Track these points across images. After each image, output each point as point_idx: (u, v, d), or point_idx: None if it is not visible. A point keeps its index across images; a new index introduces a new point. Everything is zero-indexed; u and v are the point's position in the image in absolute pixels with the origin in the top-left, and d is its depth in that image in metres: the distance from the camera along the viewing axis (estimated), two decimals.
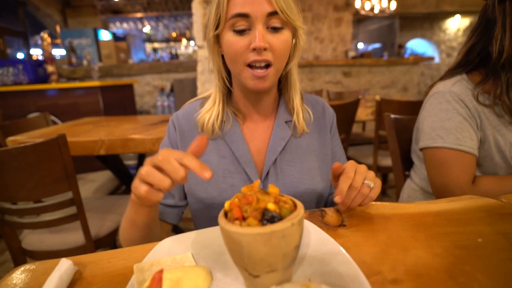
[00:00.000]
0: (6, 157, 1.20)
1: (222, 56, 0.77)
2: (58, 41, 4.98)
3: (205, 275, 0.45)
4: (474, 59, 0.98)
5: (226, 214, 0.41)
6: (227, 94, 0.82)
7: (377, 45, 10.73)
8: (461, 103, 0.96)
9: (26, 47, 6.44)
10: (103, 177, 2.36)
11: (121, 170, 2.26)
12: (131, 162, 3.04)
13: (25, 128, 2.08)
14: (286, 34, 0.70)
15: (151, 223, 0.66)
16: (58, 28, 5.08)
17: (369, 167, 2.55)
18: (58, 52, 5.21)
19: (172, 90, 4.74)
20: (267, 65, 0.69)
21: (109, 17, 7.59)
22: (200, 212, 0.81)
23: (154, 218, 0.67)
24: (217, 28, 0.71)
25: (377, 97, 2.17)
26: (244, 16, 0.66)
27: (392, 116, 1.32)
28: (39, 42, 5.47)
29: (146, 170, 0.49)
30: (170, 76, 4.95)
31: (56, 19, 6.78)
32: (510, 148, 0.94)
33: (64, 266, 0.49)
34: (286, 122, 0.83)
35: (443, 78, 1.06)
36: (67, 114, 3.17)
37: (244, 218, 0.38)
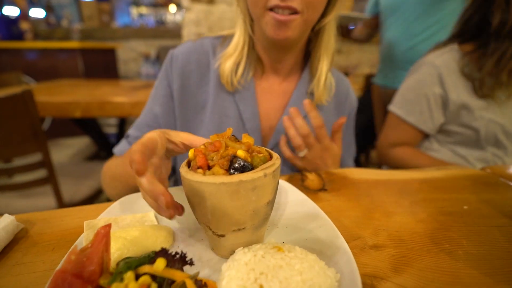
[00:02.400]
0: None
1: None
2: None
3: (165, 236, 0.39)
4: (470, 30, 0.96)
5: (189, 164, 0.35)
6: (251, 41, 0.69)
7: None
8: (435, 77, 0.96)
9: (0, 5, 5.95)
10: (81, 142, 2.26)
11: (99, 135, 2.16)
12: (112, 130, 2.91)
13: None
14: None
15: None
16: None
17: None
18: (37, 13, 4.83)
19: (157, 57, 4.51)
20: (294, 13, 0.57)
21: None
22: None
23: None
24: None
25: (365, 70, 2.11)
26: None
27: (381, 87, 1.28)
28: None
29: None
30: (156, 43, 4.70)
31: None
32: (486, 124, 0.92)
33: (4, 222, 0.43)
34: (307, 93, 0.72)
35: (435, 48, 1.05)
36: (43, 76, 2.97)
37: (209, 167, 0.33)
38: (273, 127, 0.72)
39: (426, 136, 1.04)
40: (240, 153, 0.32)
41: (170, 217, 0.33)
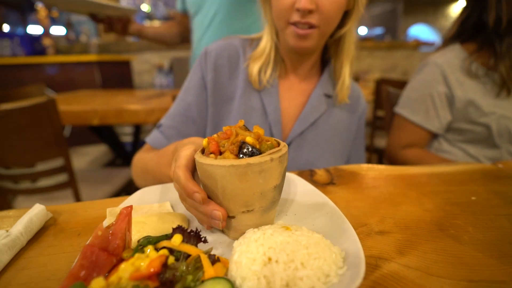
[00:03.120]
0: None
1: None
2: (55, 14, 4.84)
3: (180, 221, 0.42)
4: (469, 30, 0.98)
5: (203, 152, 0.38)
6: (276, 46, 0.76)
7: (378, 30, 10.50)
8: (439, 76, 0.97)
9: (24, 24, 6.29)
10: (99, 150, 2.34)
11: (116, 143, 2.23)
12: (127, 139, 3.00)
13: (18, 98, 2.03)
14: None
15: None
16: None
17: (365, 148, 2.51)
18: (58, 30, 5.09)
19: (171, 68, 4.64)
20: (312, 27, 0.64)
21: None
22: None
23: None
24: None
25: (376, 75, 2.12)
26: None
27: (390, 89, 1.28)
28: (36, 17, 5.34)
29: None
30: (169, 55, 4.84)
31: None
32: (497, 120, 0.92)
33: (36, 210, 0.47)
34: (325, 95, 0.78)
35: (436, 50, 1.07)
36: (63, 88, 3.11)
37: (221, 153, 0.35)
38: (292, 121, 0.77)
39: (434, 136, 1.04)
40: (249, 139, 0.35)
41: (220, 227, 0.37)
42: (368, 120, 2.75)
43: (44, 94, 2.35)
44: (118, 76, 3.73)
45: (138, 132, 2.54)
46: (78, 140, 2.69)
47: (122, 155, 2.27)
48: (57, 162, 1.31)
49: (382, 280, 0.32)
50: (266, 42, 0.75)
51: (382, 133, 2.35)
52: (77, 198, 1.36)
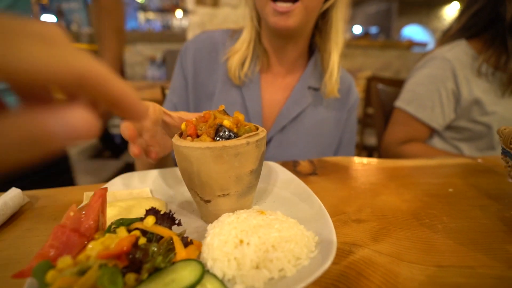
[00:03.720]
0: None
1: None
2: (45, 1, 4.73)
3: (158, 206, 0.42)
4: (479, 24, 0.93)
5: (181, 135, 0.38)
6: (258, 35, 0.72)
7: (373, 30, 10.56)
8: (448, 72, 0.93)
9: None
10: (87, 141, 2.31)
11: (105, 135, 2.20)
12: (117, 131, 2.97)
13: None
14: None
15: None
16: None
17: (355, 145, 2.50)
18: (48, 18, 4.98)
19: (163, 61, 4.59)
20: (295, 1, 0.59)
21: None
22: None
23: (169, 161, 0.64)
24: None
25: (368, 72, 2.13)
26: None
27: (380, 86, 1.29)
28: None
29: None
30: (162, 47, 4.79)
31: None
32: (499, 120, 0.91)
33: (11, 193, 0.46)
34: (309, 87, 0.73)
35: (441, 43, 1.02)
36: None
37: (198, 136, 0.35)
38: (274, 117, 0.74)
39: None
40: (226, 122, 0.35)
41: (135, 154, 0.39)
42: (358, 118, 2.78)
43: None
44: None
45: None
46: None
47: (111, 147, 2.25)
48: None
49: (353, 265, 0.33)
50: (245, 34, 0.71)
51: (372, 130, 2.37)
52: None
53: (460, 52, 0.94)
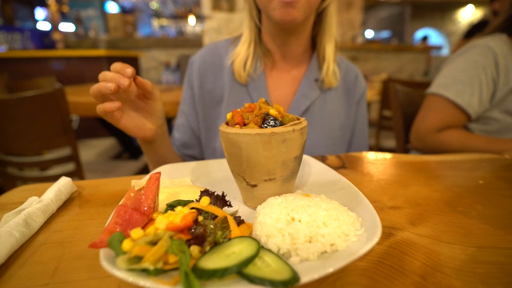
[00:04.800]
0: (6, 106, 1.21)
1: None
2: (65, 9, 4.90)
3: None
4: None
5: (227, 124, 0.40)
6: (258, 35, 0.76)
7: (385, 34, 10.50)
8: (491, 58, 0.92)
9: (33, 18, 6.39)
10: (106, 143, 2.37)
11: (124, 137, 2.26)
12: None
13: (29, 89, 2.08)
14: None
15: (161, 160, 0.67)
16: None
17: (371, 148, 2.49)
18: (67, 27, 5.15)
19: (178, 66, 4.68)
20: None
21: None
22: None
23: (164, 155, 0.67)
24: None
25: (383, 76, 2.13)
26: None
27: (398, 87, 1.30)
28: (47, 12, 5.40)
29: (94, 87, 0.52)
30: (176, 52, 4.88)
31: None
32: None
33: (63, 181, 0.49)
34: (316, 80, 0.76)
35: (479, 36, 1.01)
36: (72, 82, 3.15)
37: (245, 125, 0.38)
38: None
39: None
40: (272, 111, 0.37)
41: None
42: (374, 120, 2.77)
43: (54, 87, 2.39)
44: None
45: None
46: (86, 132, 2.73)
47: (130, 149, 2.31)
48: (65, 151, 1.35)
49: (396, 245, 0.34)
50: (245, 36, 0.75)
51: (389, 133, 2.37)
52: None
53: (502, 42, 0.93)
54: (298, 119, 0.40)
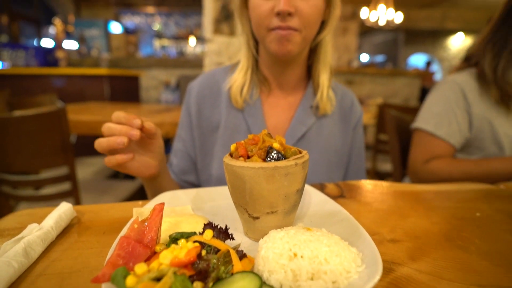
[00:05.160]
0: (8, 124, 1.21)
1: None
2: (70, 28, 5.02)
3: (203, 222, 0.45)
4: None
5: (231, 156, 0.41)
6: (255, 63, 0.78)
7: (380, 58, 10.83)
8: (459, 93, 1.00)
9: (39, 37, 6.53)
10: (103, 161, 2.37)
11: None
12: None
13: (30, 106, 2.09)
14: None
15: (162, 191, 0.65)
16: (71, 17, 5.14)
17: (368, 172, 2.48)
18: (71, 45, 5.27)
19: (177, 86, 4.75)
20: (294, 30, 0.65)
21: (121, 9, 7.68)
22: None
23: (165, 186, 0.67)
24: None
25: (379, 100, 2.18)
26: None
27: (394, 112, 1.33)
28: (53, 31, 5.53)
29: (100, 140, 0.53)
30: (176, 72, 4.97)
31: (70, 8, 6.86)
32: (509, 140, 0.94)
33: (64, 207, 0.49)
34: (311, 107, 0.78)
35: (455, 71, 1.09)
36: (73, 99, 3.18)
37: (248, 157, 0.39)
38: None
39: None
40: (276, 145, 0.38)
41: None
42: (370, 144, 2.80)
43: (55, 104, 2.41)
44: (126, 91, 3.81)
45: None
46: (83, 150, 2.72)
47: None
48: (62, 171, 1.34)
49: (396, 282, 0.35)
50: (243, 63, 0.77)
51: (385, 157, 2.39)
52: (78, 203, 1.38)
53: (470, 77, 1.01)
54: (300, 152, 0.41)
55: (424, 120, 1.04)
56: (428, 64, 8.71)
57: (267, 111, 0.79)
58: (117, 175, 2.30)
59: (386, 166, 2.31)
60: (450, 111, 0.99)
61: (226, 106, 0.78)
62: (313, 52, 0.77)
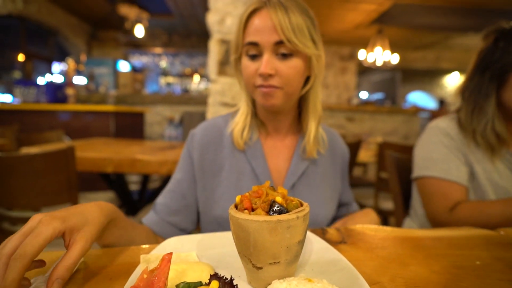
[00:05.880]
0: (16, 162, 1.25)
1: None
2: (81, 67, 5.27)
3: (208, 270, 0.46)
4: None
5: (236, 207, 0.44)
6: (253, 109, 0.86)
7: (379, 95, 11.16)
8: (447, 137, 1.03)
9: (50, 73, 6.86)
10: (105, 197, 2.37)
11: (124, 192, 2.27)
12: (134, 187, 3.04)
13: (38, 142, 2.15)
14: (295, 61, 0.73)
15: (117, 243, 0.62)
16: (83, 57, 5.43)
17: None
18: (80, 80, 5.54)
19: (181, 121, 4.88)
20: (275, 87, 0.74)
21: (130, 49, 8.11)
22: (212, 229, 0.81)
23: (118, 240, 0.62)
24: (236, 52, 0.79)
25: (379, 139, 2.23)
26: (254, 44, 0.72)
27: (394, 154, 1.37)
28: (64, 67, 5.80)
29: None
30: (180, 109, 5.13)
31: (82, 49, 7.27)
32: (494, 188, 0.97)
33: None
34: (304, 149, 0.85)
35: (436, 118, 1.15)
36: (78, 135, 3.26)
37: (253, 209, 0.41)
38: (282, 177, 0.84)
39: None
40: (278, 199, 0.41)
41: None
42: (371, 182, 2.81)
43: (62, 140, 2.47)
44: (130, 126, 3.91)
45: (146, 181, 2.59)
46: (85, 185, 2.74)
47: (128, 203, 2.30)
48: (64, 207, 1.35)
49: None
50: (243, 109, 0.84)
51: (386, 195, 2.39)
52: None
53: (450, 122, 1.06)
54: (301, 204, 0.44)
55: (428, 168, 1.03)
56: (442, 103, 8.85)
57: (267, 152, 0.85)
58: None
59: (388, 204, 2.30)
60: (450, 154, 1.01)
61: (229, 149, 0.83)
62: (303, 100, 0.84)
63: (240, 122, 0.83)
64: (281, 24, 0.69)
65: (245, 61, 0.76)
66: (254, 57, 0.74)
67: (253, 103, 0.85)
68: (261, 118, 0.87)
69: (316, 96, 0.82)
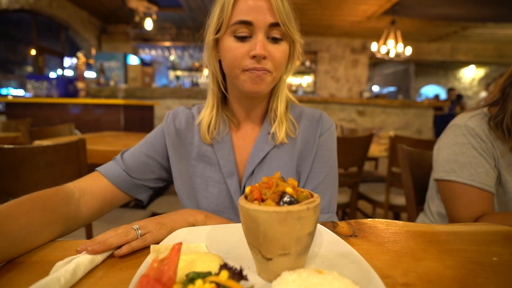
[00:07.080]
0: (29, 154, 1.27)
1: (219, 61, 0.77)
2: (91, 61, 5.33)
3: (218, 260, 0.46)
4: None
5: (246, 198, 0.43)
6: (222, 99, 0.84)
7: (391, 89, 10.94)
8: (477, 138, 0.95)
9: (61, 67, 6.97)
10: None
11: None
12: None
13: (50, 135, 2.19)
14: (284, 46, 0.72)
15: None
16: (93, 51, 5.48)
17: (381, 205, 2.40)
18: (90, 74, 5.62)
19: None
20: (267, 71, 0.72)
21: (139, 43, 8.15)
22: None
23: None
24: (217, 32, 0.72)
25: (391, 133, 2.19)
26: (247, 23, 0.67)
27: (406, 148, 1.34)
28: (75, 61, 5.87)
29: None
30: (189, 102, 5.14)
31: (92, 43, 7.34)
32: None
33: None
34: (269, 133, 0.82)
35: (467, 111, 1.05)
36: (89, 128, 3.31)
37: (263, 200, 0.41)
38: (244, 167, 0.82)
39: None
40: (289, 190, 0.40)
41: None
42: (383, 177, 2.77)
43: (73, 133, 2.51)
44: (140, 120, 3.94)
45: None
46: None
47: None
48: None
49: None
50: (209, 100, 0.82)
51: (397, 190, 2.35)
52: (89, 236, 1.39)
53: (480, 120, 0.97)
54: (312, 196, 0.43)
55: (454, 172, 0.96)
56: (459, 97, 8.52)
57: (237, 144, 0.84)
58: (127, 204, 2.33)
59: (400, 199, 2.26)
60: (479, 157, 0.94)
61: (198, 139, 0.83)
62: (272, 89, 0.83)
63: (206, 115, 0.81)
64: (278, 6, 0.67)
65: (231, 42, 0.70)
66: (242, 39, 0.69)
67: (223, 93, 0.83)
68: (233, 109, 0.84)
69: (284, 82, 0.83)
